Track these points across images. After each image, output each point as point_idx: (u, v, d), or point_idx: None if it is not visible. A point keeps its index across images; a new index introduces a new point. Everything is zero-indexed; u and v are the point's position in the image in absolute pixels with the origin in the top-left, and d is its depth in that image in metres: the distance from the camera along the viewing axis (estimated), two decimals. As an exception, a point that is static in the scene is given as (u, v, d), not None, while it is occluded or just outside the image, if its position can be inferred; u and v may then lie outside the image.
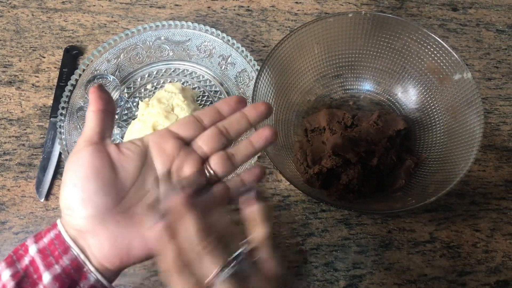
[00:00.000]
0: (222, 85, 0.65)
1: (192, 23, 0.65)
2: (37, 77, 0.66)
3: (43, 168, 0.59)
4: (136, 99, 0.64)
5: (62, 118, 0.59)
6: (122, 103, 0.64)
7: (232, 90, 0.64)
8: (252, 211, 0.33)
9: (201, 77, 0.66)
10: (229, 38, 0.64)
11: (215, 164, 0.36)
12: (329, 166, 0.54)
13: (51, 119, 0.62)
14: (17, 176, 0.59)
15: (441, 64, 0.56)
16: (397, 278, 0.54)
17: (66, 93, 0.60)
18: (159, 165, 0.36)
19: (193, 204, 0.31)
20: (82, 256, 0.33)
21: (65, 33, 0.70)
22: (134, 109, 0.63)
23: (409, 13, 0.73)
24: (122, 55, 0.65)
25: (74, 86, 0.61)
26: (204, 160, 0.37)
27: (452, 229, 0.57)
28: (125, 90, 0.65)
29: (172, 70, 0.67)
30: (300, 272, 0.54)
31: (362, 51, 0.61)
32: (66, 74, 0.65)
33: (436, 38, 0.55)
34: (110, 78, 0.64)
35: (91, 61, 0.62)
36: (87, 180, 0.33)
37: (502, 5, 0.74)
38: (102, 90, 0.36)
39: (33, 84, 0.66)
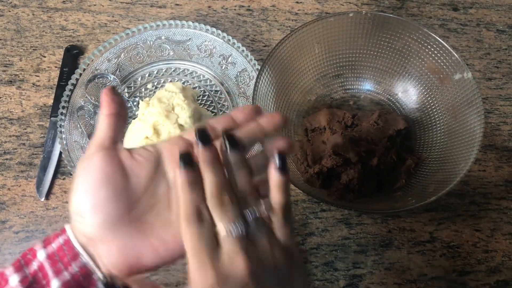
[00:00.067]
0: (222, 84, 0.65)
1: (193, 22, 0.65)
2: (38, 76, 0.66)
3: (44, 168, 0.59)
4: (137, 99, 0.64)
5: (63, 118, 0.59)
6: (123, 102, 0.63)
7: (233, 90, 0.64)
8: (274, 178, 0.33)
9: (201, 76, 0.66)
10: (230, 37, 0.64)
11: None
12: (330, 166, 0.54)
13: (52, 118, 0.62)
14: (18, 176, 0.60)
15: (442, 64, 0.56)
16: (397, 278, 0.54)
17: (67, 92, 0.60)
18: (172, 173, 0.35)
19: (220, 158, 0.32)
20: (91, 264, 0.33)
21: (66, 33, 0.70)
22: (134, 109, 0.63)
23: (410, 13, 0.73)
24: (122, 54, 0.65)
25: (74, 85, 0.61)
26: None
27: (452, 229, 0.57)
28: (126, 90, 0.65)
29: (172, 69, 0.67)
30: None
31: (362, 51, 0.61)
32: (66, 73, 0.65)
33: (437, 38, 0.55)
34: (110, 77, 0.64)
35: (92, 60, 0.63)
36: (98, 187, 0.32)
37: (503, 5, 0.74)
38: (115, 93, 0.36)
39: (33, 84, 0.66)
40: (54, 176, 0.59)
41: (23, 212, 0.58)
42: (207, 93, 0.65)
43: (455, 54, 0.54)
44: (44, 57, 0.68)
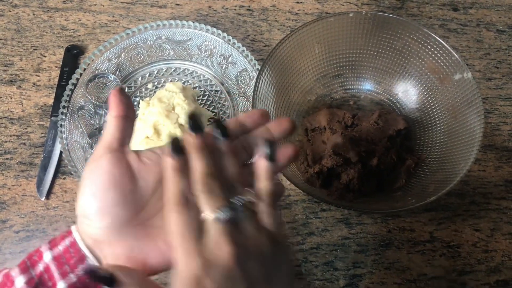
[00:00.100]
0: (222, 84, 0.65)
1: (193, 22, 0.65)
2: (38, 76, 0.66)
3: (44, 167, 0.59)
4: (137, 98, 0.64)
5: (63, 117, 0.59)
6: (123, 102, 0.64)
7: (233, 90, 0.64)
8: (261, 166, 0.34)
9: (201, 76, 0.66)
10: (230, 37, 0.64)
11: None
12: (330, 166, 0.54)
13: (52, 118, 0.62)
14: (18, 175, 0.60)
15: (442, 64, 0.56)
16: (397, 278, 0.54)
17: (67, 92, 0.60)
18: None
19: (208, 145, 0.32)
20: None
21: (66, 32, 0.70)
22: (135, 108, 0.63)
23: (410, 13, 0.73)
24: (123, 54, 0.65)
25: (75, 85, 0.61)
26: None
27: (452, 228, 0.57)
28: (126, 90, 0.65)
29: (172, 69, 0.67)
30: (300, 271, 0.55)
31: (362, 51, 0.61)
32: (67, 73, 0.65)
33: (437, 38, 0.55)
34: (111, 77, 0.64)
35: (92, 60, 0.63)
36: (106, 190, 0.32)
37: (503, 5, 0.74)
38: (123, 94, 0.35)
39: (34, 83, 0.66)
40: (55, 176, 0.59)
41: (24, 211, 0.58)
42: (207, 93, 0.65)
43: (455, 54, 0.54)
44: (45, 57, 0.68)
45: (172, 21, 0.65)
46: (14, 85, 0.65)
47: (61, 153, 0.60)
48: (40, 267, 0.33)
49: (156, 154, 0.35)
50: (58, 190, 0.59)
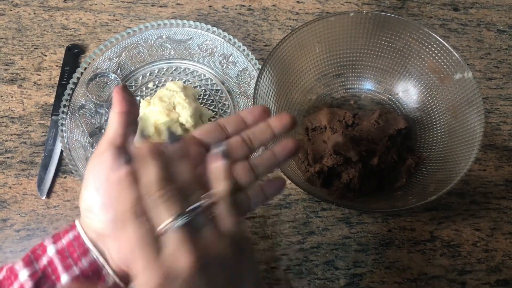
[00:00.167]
0: (223, 84, 0.65)
1: (194, 22, 0.65)
2: (39, 75, 0.66)
3: (45, 166, 0.59)
4: (138, 98, 0.64)
5: (64, 116, 0.59)
6: (124, 101, 0.64)
7: (233, 89, 0.64)
8: (215, 166, 0.33)
9: (202, 75, 0.66)
10: (231, 37, 0.64)
11: (238, 174, 0.35)
12: (330, 165, 0.54)
13: (53, 117, 0.62)
14: (19, 174, 0.60)
15: (442, 63, 0.56)
16: (398, 277, 0.54)
17: (68, 91, 0.60)
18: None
19: (159, 153, 0.31)
20: (101, 259, 0.33)
21: (67, 32, 0.70)
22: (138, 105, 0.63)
23: (410, 12, 0.73)
24: (123, 53, 0.65)
25: (75, 84, 0.61)
26: None
27: (452, 228, 0.57)
28: (127, 89, 0.65)
29: (173, 68, 0.67)
30: (301, 270, 0.55)
31: (363, 51, 0.61)
32: (67, 72, 0.65)
33: (437, 37, 0.55)
34: (111, 76, 0.64)
35: (93, 59, 0.63)
36: (109, 184, 0.33)
37: (503, 5, 0.74)
38: (126, 91, 0.36)
39: (34, 82, 0.66)
40: (55, 175, 0.59)
41: (24, 210, 0.58)
42: (208, 92, 0.65)
43: (456, 54, 0.54)
44: (45, 56, 0.68)
45: (172, 21, 0.65)
46: (15, 84, 0.66)
47: (61, 152, 0.60)
48: (43, 261, 0.33)
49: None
50: (58, 189, 0.59)
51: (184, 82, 0.65)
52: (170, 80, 0.66)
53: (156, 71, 0.66)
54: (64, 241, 0.34)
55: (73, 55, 0.67)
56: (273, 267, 0.55)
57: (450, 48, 0.55)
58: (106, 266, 0.33)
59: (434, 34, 0.55)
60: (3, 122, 0.63)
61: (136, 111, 0.37)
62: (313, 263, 0.55)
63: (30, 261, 0.33)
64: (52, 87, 0.65)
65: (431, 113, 0.59)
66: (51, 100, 0.64)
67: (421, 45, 0.57)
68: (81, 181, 0.54)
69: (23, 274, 0.33)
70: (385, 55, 0.61)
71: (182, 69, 0.67)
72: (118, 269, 0.34)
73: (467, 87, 0.54)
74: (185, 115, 0.58)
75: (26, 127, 0.63)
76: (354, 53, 0.62)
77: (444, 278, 0.54)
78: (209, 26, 0.64)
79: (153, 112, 0.58)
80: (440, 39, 0.55)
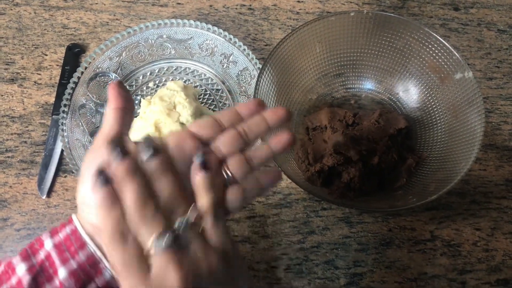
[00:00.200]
0: (223, 83, 0.65)
1: (194, 21, 0.65)
2: (39, 74, 0.66)
3: (45, 166, 0.59)
4: (138, 97, 0.64)
5: (64, 116, 0.59)
6: (124, 101, 0.64)
7: (234, 89, 0.64)
8: (197, 178, 0.33)
9: (202, 75, 0.66)
10: (231, 36, 0.64)
11: (233, 167, 0.35)
12: (331, 164, 0.54)
13: (53, 116, 0.63)
14: (19, 173, 0.60)
15: (443, 63, 0.56)
16: (398, 276, 0.54)
17: (68, 90, 0.60)
18: (177, 165, 0.35)
19: (137, 170, 0.31)
20: (98, 253, 0.33)
21: (67, 31, 0.70)
22: (136, 107, 0.63)
23: (411, 12, 0.73)
24: (124, 53, 0.65)
25: (76, 83, 0.61)
26: (222, 162, 0.36)
27: (452, 227, 0.57)
28: (127, 88, 0.65)
29: (174, 68, 0.67)
30: (301, 270, 0.55)
31: (363, 50, 0.61)
32: (68, 71, 0.65)
33: (438, 37, 0.55)
34: (112, 76, 0.64)
35: (93, 59, 0.63)
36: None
37: (504, 4, 0.74)
38: (122, 87, 0.36)
39: (35, 82, 0.66)
40: (56, 174, 0.59)
41: (25, 209, 0.58)
42: (208, 92, 0.65)
43: (456, 54, 0.54)
44: (46, 55, 0.68)
45: (173, 20, 0.65)
46: (15, 83, 0.66)
47: (62, 151, 0.60)
48: (41, 255, 0.33)
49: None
50: (59, 188, 0.59)
51: (185, 82, 0.65)
52: (170, 79, 0.66)
53: (156, 71, 0.67)
54: (62, 235, 0.34)
55: (74, 55, 0.67)
56: (273, 267, 0.55)
57: (450, 47, 0.55)
58: (104, 260, 0.33)
59: (434, 34, 0.55)
60: (3, 122, 0.63)
61: (132, 107, 0.37)
62: (313, 262, 0.55)
63: (28, 255, 0.34)
64: (53, 86, 0.65)
65: (432, 113, 0.59)
66: (52, 100, 0.64)
67: (421, 45, 0.57)
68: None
69: (21, 268, 0.33)
70: (385, 54, 0.61)
71: (182, 69, 0.67)
72: None
73: (467, 86, 0.54)
74: (185, 114, 0.58)
75: (27, 127, 0.63)
76: (355, 53, 0.62)
77: (444, 278, 0.54)
78: (210, 26, 0.64)
79: (154, 112, 0.58)
80: (441, 39, 0.55)
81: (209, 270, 0.29)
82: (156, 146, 0.32)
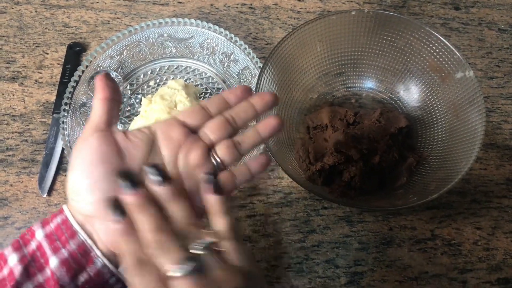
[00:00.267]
0: (224, 82, 0.65)
1: (195, 20, 0.65)
2: (40, 73, 0.66)
3: (46, 164, 0.59)
4: (139, 96, 0.64)
5: (65, 114, 0.59)
6: (125, 99, 0.64)
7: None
8: (211, 202, 0.33)
9: (203, 74, 0.66)
10: (232, 35, 0.64)
11: (222, 152, 0.36)
12: (331, 163, 0.54)
13: (54, 115, 0.63)
14: (20, 172, 0.60)
15: (443, 62, 0.56)
16: (398, 275, 0.55)
17: (69, 89, 0.60)
18: (166, 152, 0.36)
19: (149, 200, 0.31)
20: (89, 241, 0.34)
21: (68, 30, 0.70)
22: (136, 106, 0.63)
23: (412, 11, 0.73)
24: (125, 51, 0.65)
25: (77, 82, 0.61)
26: (210, 148, 0.37)
27: (453, 226, 0.57)
28: (128, 87, 0.65)
29: (175, 67, 0.67)
30: (302, 269, 0.55)
31: (364, 49, 0.61)
32: (69, 70, 0.65)
33: (439, 36, 0.55)
34: (113, 74, 0.64)
35: (94, 57, 0.63)
36: (94, 166, 0.33)
37: (504, 4, 0.74)
38: (109, 78, 0.36)
39: (36, 80, 0.66)
40: (56, 173, 0.60)
41: (25, 208, 0.58)
42: (209, 91, 0.65)
43: (457, 53, 0.54)
44: (47, 54, 0.68)
45: (174, 19, 0.65)
46: (16, 82, 0.66)
47: (63, 150, 0.60)
48: (32, 245, 0.34)
49: (143, 133, 0.36)
50: (59, 187, 0.59)
51: (186, 81, 0.65)
52: (171, 78, 0.66)
53: (157, 69, 0.67)
54: (53, 225, 0.34)
55: (75, 53, 0.67)
56: (274, 265, 0.55)
57: (451, 47, 0.55)
58: (95, 248, 0.34)
59: (435, 33, 0.55)
60: (4, 120, 0.63)
61: (119, 98, 0.37)
62: (314, 261, 0.55)
63: (19, 246, 0.34)
64: (54, 85, 0.65)
65: (432, 112, 0.59)
66: (53, 98, 0.64)
67: (422, 44, 0.57)
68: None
69: (13, 259, 0.33)
70: (386, 53, 0.61)
71: (183, 68, 0.67)
72: (106, 250, 0.34)
73: (468, 86, 0.54)
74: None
75: (28, 125, 0.63)
76: (355, 52, 0.62)
77: (445, 277, 0.54)
78: (211, 25, 0.64)
79: (155, 110, 0.58)
80: (442, 38, 0.55)
81: None
82: (164, 173, 0.32)
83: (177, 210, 0.32)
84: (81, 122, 0.60)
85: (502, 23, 0.72)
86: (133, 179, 0.32)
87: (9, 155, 0.61)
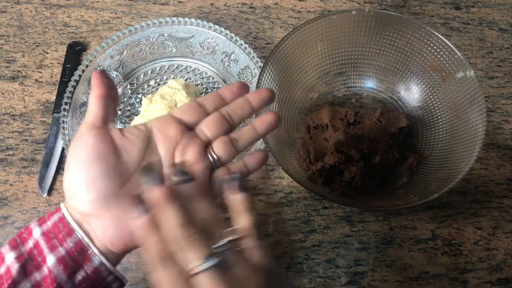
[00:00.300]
0: (225, 82, 0.65)
1: (195, 20, 0.65)
2: (40, 72, 0.66)
3: (46, 164, 0.59)
4: (139, 95, 0.64)
5: (65, 114, 0.59)
6: (125, 99, 0.64)
7: (235, 87, 0.64)
8: (236, 200, 0.33)
9: (204, 73, 0.66)
10: (232, 35, 0.64)
11: (218, 149, 0.36)
12: (332, 163, 0.54)
13: (54, 114, 0.62)
14: (20, 171, 0.60)
15: (444, 62, 0.56)
16: (399, 275, 0.54)
17: (69, 88, 0.60)
18: (162, 150, 0.36)
19: (174, 195, 0.31)
20: (86, 239, 0.34)
21: (69, 29, 0.70)
22: (137, 105, 0.63)
23: (412, 11, 0.73)
24: (125, 51, 0.65)
25: (77, 81, 0.61)
26: (207, 145, 0.36)
27: (454, 226, 0.57)
28: (128, 86, 0.65)
29: (175, 66, 0.67)
30: (302, 268, 0.55)
31: (365, 49, 0.61)
32: (69, 70, 0.65)
33: (439, 36, 0.55)
34: (113, 74, 0.64)
35: (94, 57, 0.63)
36: (90, 164, 0.33)
37: (505, 4, 0.74)
38: (105, 76, 0.37)
39: (36, 80, 0.66)
40: (57, 172, 0.59)
41: (25, 207, 0.58)
42: (209, 90, 0.65)
43: (458, 53, 0.54)
44: (47, 53, 0.68)
45: (174, 18, 0.65)
46: (16, 81, 0.66)
47: (63, 149, 0.60)
48: (29, 244, 0.34)
49: (139, 130, 0.36)
50: (59, 187, 0.59)
51: (186, 80, 0.65)
52: (171, 78, 0.66)
53: (157, 69, 0.66)
54: (50, 223, 0.34)
55: (75, 53, 0.67)
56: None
57: (452, 46, 0.55)
58: (91, 246, 0.34)
59: (436, 33, 0.55)
60: (4, 120, 0.63)
61: (115, 94, 0.37)
62: (315, 261, 0.55)
63: (17, 244, 0.34)
64: (54, 84, 0.65)
65: (433, 112, 0.59)
66: (53, 98, 0.64)
67: (423, 44, 0.57)
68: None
69: (10, 257, 0.33)
70: (387, 53, 0.61)
71: (183, 67, 0.67)
72: (103, 248, 0.34)
73: (469, 85, 0.53)
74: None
75: (28, 125, 0.63)
76: (356, 52, 0.62)
77: (445, 277, 0.54)
78: (211, 24, 0.64)
79: (155, 110, 0.58)
80: (442, 38, 0.55)
81: None
82: (190, 172, 0.32)
83: (200, 207, 0.32)
84: (81, 121, 0.60)
85: (502, 23, 0.72)
86: (158, 174, 0.31)
87: (9, 155, 0.61)
